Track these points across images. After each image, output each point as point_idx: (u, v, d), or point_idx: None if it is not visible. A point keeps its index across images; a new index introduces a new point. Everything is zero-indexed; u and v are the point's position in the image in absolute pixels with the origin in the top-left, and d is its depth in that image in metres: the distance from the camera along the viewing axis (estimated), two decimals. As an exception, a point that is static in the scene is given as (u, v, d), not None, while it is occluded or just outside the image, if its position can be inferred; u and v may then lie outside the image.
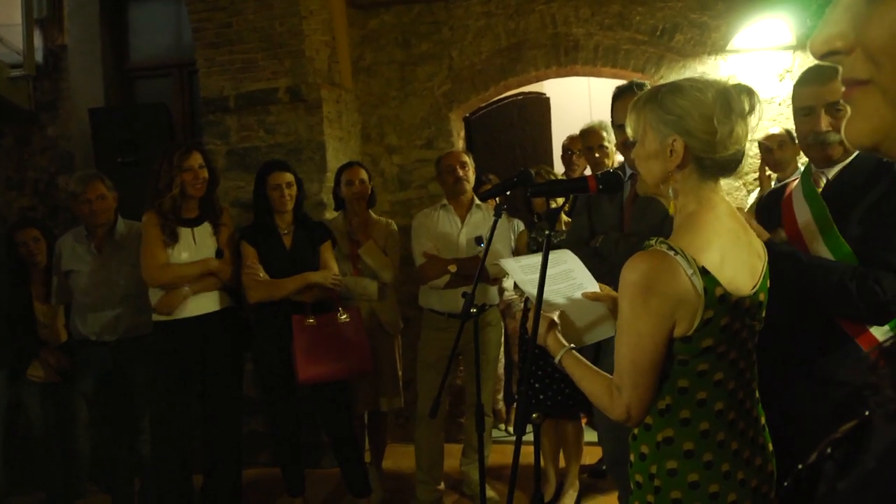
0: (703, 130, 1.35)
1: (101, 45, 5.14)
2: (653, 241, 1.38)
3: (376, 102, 4.78)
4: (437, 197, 4.06)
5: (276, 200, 3.30)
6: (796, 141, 2.87)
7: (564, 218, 3.60)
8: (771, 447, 1.49)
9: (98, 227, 3.40)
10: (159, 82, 5.30)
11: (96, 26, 5.14)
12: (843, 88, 0.58)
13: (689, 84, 1.39)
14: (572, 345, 1.58)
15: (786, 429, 1.59)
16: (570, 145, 4.36)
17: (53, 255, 3.53)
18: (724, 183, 1.45)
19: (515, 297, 4.21)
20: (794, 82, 1.96)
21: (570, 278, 1.75)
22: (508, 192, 2.59)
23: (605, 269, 2.17)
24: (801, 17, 4.08)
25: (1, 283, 3.51)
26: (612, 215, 2.48)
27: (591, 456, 3.97)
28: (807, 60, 4.00)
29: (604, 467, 3.86)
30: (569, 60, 4.53)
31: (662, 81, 1.47)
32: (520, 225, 3.69)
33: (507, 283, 4.02)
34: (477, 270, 2.33)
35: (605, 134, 3.50)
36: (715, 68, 4.27)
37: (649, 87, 1.69)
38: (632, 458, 1.48)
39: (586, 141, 3.61)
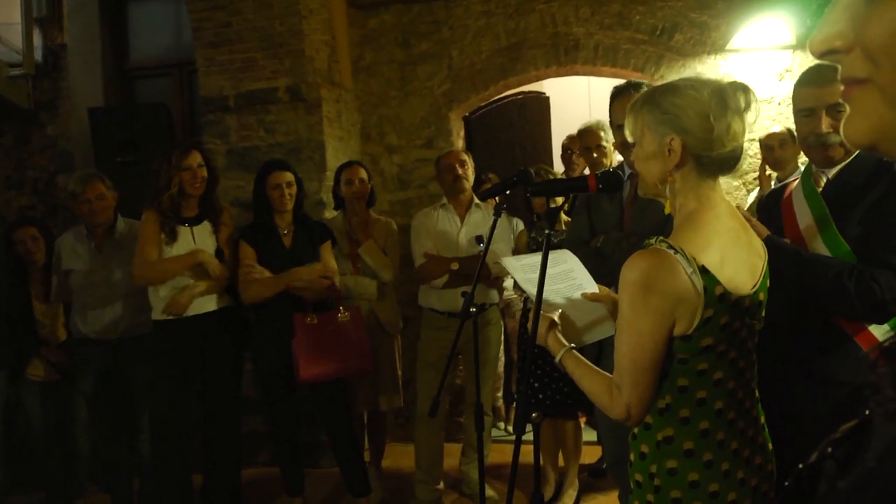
0: (700, 128, 1.35)
1: (100, 45, 5.14)
2: (653, 240, 1.38)
3: (376, 102, 4.78)
4: (436, 196, 4.06)
5: (276, 200, 3.30)
6: (797, 141, 2.87)
7: (564, 217, 3.60)
8: (770, 446, 1.49)
9: (98, 226, 3.40)
10: (159, 82, 5.30)
11: (96, 25, 5.14)
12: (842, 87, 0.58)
13: (684, 83, 1.40)
14: (572, 344, 1.59)
15: (786, 429, 1.59)
16: (569, 145, 4.36)
17: (52, 254, 3.52)
18: (724, 182, 1.46)
19: (515, 296, 4.21)
20: (793, 82, 1.96)
21: (569, 278, 1.76)
22: (508, 192, 2.59)
23: (606, 269, 2.17)
24: (801, 17, 4.08)
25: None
26: (612, 215, 2.48)
27: (591, 455, 3.98)
28: (806, 60, 4.00)
29: (604, 465, 3.86)
30: (569, 60, 4.53)
31: (662, 81, 1.46)
32: (519, 224, 3.69)
33: (507, 283, 4.03)
34: (477, 269, 2.33)
35: (602, 134, 3.50)
36: (715, 68, 4.27)
37: (647, 86, 1.69)
38: (631, 457, 1.48)
39: (584, 141, 3.61)
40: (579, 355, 1.56)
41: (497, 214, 2.26)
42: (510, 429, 4.71)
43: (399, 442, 4.40)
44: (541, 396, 3.38)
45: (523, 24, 4.55)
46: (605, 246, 2.41)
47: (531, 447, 2.33)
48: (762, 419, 1.49)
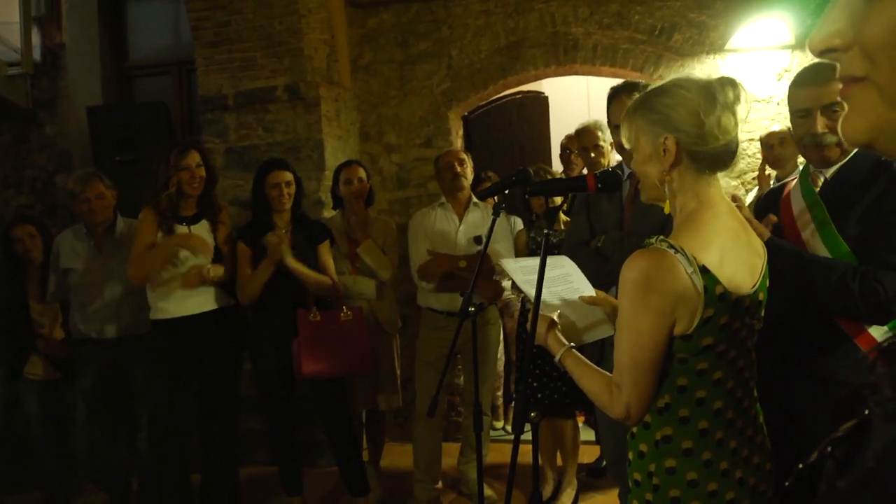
0: (691, 123, 1.37)
1: (99, 44, 5.13)
2: (653, 240, 1.38)
3: (375, 101, 4.77)
4: (435, 196, 4.06)
5: (275, 199, 3.30)
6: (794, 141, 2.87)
7: (563, 217, 3.60)
8: (769, 445, 1.49)
9: (97, 225, 3.40)
10: (158, 81, 5.29)
11: (95, 24, 5.13)
12: (840, 85, 0.58)
13: (672, 84, 1.42)
14: (572, 343, 1.59)
15: (785, 429, 1.59)
16: (568, 144, 4.36)
17: (51, 253, 3.52)
18: (723, 182, 1.46)
19: (513, 296, 4.21)
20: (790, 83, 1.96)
21: (567, 282, 1.77)
22: (507, 191, 2.59)
23: (607, 269, 2.17)
24: (800, 17, 4.08)
25: (-2, 280, 3.51)
26: (612, 214, 2.47)
27: (589, 454, 3.98)
28: (805, 60, 4.00)
29: (603, 464, 3.87)
30: (568, 59, 4.53)
31: (661, 81, 1.48)
32: (518, 222, 3.69)
33: (506, 283, 4.03)
34: (475, 270, 2.33)
35: (600, 134, 3.50)
36: (713, 67, 4.27)
37: (644, 86, 1.70)
38: (630, 456, 1.48)
39: (582, 141, 3.62)
40: (579, 354, 1.56)
41: (496, 214, 2.26)
42: (508, 428, 4.71)
43: (398, 441, 4.40)
44: (539, 396, 3.38)
45: (522, 24, 4.55)
46: (605, 246, 2.40)
47: (529, 447, 2.33)
48: (761, 418, 1.49)
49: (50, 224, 4.23)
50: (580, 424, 3.75)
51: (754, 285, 1.41)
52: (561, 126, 5.15)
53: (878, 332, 1.74)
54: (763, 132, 3.75)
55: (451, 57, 4.66)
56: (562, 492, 3.59)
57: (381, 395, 3.67)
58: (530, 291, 1.68)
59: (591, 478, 3.89)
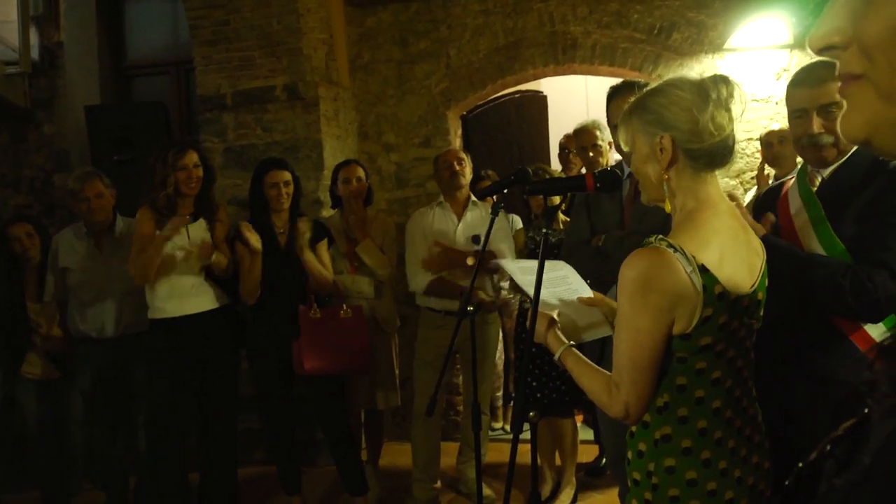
0: (685, 121, 1.38)
1: (97, 43, 5.13)
2: (652, 239, 1.38)
3: (374, 100, 4.77)
4: (434, 195, 4.05)
5: (273, 199, 3.30)
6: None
7: (562, 217, 3.60)
8: (767, 445, 1.49)
9: (97, 224, 3.40)
10: (156, 80, 5.29)
11: (93, 23, 5.12)
12: (838, 84, 0.59)
13: (666, 84, 1.44)
14: (571, 342, 1.59)
15: (785, 429, 1.60)
16: (566, 144, 4.36)
17: (49, 252, 3.51)
18: (722, 181, 1.46)
19: (511, 296, 4.21)
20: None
21: (566, 283, 1.78)
22: (505, 191, 2.59)
23: (607, 268, 2.17)
24: (799, 16, 4.08)
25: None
26: (612, 214, 2.48)
27: (588, 454, 3.98)
28: (804, 59, 4.00)
29: (602, 463, 3.87)
30: (566, 59, 4.53)
31: (660, 80, 1.48)
32: (517, 221, 3.69)
33: (504, 283, 4.03)
34: (474, 269, 2.33)
35: (598, 133, 3.50)
36: (712, 67, 4.27)
37: (642, 86, 1.70)
38: (629, 455, 1.48)
39: (580, 140, 3.62)
40: (578, 353, 1.56)
41: (494, 213, 2.26)
42: (507, 428, 4.70)
43: (396, 441, 4.40)
44: (539, 395, 3.38)
45: (521, 23, 4.55)
46: (606, 245, 2.40)
47: (528, 446, 2.33)
48: (759, 418, 1.49)
49: (48, 223, 4.23)
50: (579, 424, 3.75)
51: (753, 284, 1.41)
52: (560, 125, 5.15)
53: (874, 331, 1.74)
54: (762, 131, 3.75)
55: (449, 56, 4.66)
56: (560, 491, 3.59)
57: (380, 395, 3.67)
58: (530, 291, 1.69)
59: (590, 477, 3.89)
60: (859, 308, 1.68)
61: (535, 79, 5.04)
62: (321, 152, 4.27)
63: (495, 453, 3.96)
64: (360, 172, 3.62)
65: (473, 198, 3.62)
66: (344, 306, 3.34)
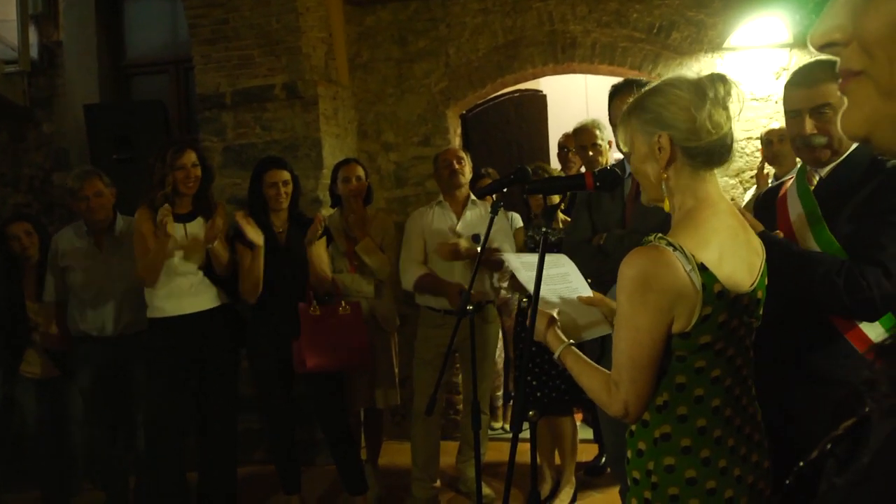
0: (683, 119, 1.39)
1: (96, 42, 5.13)
2: (651, 237, 1.38)
3: (373, 99, 4.77)
4: (434, 194, 4.05)
5: (272, 198, 3.30)
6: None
7: (561, 216, 3.60)
8: (767, 443, 1.49)
9: (96, 223, 3.40)
10: (155, 79, 5.29)
11: (92, 22, 5.12)
12: (834, 84, 0.59)
13: (664, 83, 1.45)
14: (571, 340, 1.59)
15: (785, 429, 1.60)
16: (566, 143, 4.36)
17: (49, 251, 3.51)
18: (721, 180, 1.46)
19: (510, 295, 4.21)
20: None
21: (566, 281, 1.78)
22: (505, 190, 2.59)
23: (608, 267, 2.17)
24: (798, 15, 4.08)
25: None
26: (613, 212, 2.48)
27: (587, 453, 3.98)
28: (804, 58, 4.00)
29: (602, 461, 3.87)
30: (566, 58, 4.53)
31: (659, 79, 1.49)
32: (517, 219, 3.69)
33: (504, 283, 4.03)
34: (474, 269, 2.33)
35: (597, 132, 3.50)
36: (712, 66, 4.27)
37: (641, 85, 1.70)
38: (629, 454, 1.48)
39: (579, 139, 3.62)
40: (578, 351, 1.56)
41: (494, 212, 2.26)
42: (507, 427, 4.70)
43: (396, 440, 4.40)
44: (538, 394, 3.38)
45: (520, 22, 4.55)
46: (607, 244, 2.41)
47: (528, 445, 2.33)
48: (759, 416, 1.49)
49: (47, 222, 4.22)
50: (578, 423, 3.75)
51: (753, 283, 1.41)
52: (559, 124, 5.16)
53: (873, 332, 1.74)
54: (762, 130, 3.75)
55: (448, 55, 4.65)
56: (560, 490, 3.59)
57: (380, 393, 3.67)
58: (531, 287, 1.69)
59: (590, 476, 3.89)
60: (853, 306, 1.68)
61: (534, 78, 5.04)
62: (320, 151, 4.27)
63: (495, 452, 3.96)
64: (360, 171, 3.62)
65: (473, 197, 3.62)
66: (343, 303, 3.35)
